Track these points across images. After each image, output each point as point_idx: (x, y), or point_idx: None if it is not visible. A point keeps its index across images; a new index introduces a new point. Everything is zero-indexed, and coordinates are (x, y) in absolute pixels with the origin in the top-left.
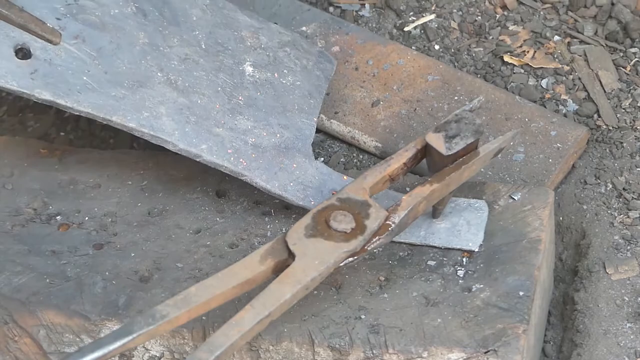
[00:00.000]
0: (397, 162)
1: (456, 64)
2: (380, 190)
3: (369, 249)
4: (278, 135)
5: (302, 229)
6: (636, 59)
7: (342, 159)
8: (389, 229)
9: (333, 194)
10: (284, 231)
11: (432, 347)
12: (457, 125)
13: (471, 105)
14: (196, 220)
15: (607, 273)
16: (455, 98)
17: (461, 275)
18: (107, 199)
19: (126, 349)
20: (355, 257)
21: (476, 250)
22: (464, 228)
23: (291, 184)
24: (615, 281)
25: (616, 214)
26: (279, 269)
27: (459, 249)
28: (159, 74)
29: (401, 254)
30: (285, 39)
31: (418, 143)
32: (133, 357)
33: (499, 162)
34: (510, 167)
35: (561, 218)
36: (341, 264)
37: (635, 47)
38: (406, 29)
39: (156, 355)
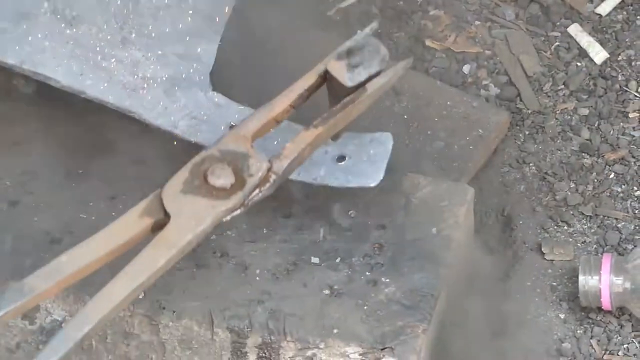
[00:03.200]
0: (282, 103)
1: None
2: (266, 133)
3: (249, 203)
4: (172, 66)
5: (179, 184)
6: (557, 43)
7: None
8: (271, 179)
9: (232, 125)
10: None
11: (329, 339)
12: (360, 53)
13: (366, 31)
14: (113, 186)
15: (543, 252)
16: None
17: (369, 268)
18: (27, 156)
19: None
20: (235, 212)
21: (374, 185)
22: (365, 165)
23: (183, 119)
24: (545, 265)
25: (542, 197)
26: (157, 227)
27: (357, 187)
28: (45, 3)
29: (314, 237)
30: None
31: (311, 77)
32: (36, 319)
33: (418, 147)
34: (430, 153)
35: (483, 203)
36: (220, 221)
37: (556, 30)
38: (328, 13)
39: (58, 319)
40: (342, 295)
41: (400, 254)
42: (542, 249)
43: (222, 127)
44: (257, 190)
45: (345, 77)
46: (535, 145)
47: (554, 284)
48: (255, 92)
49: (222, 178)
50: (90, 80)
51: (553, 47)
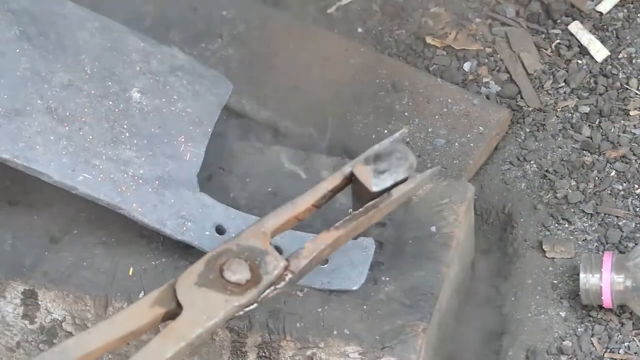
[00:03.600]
0: (305, 202)
1: (378, 46)
2: (286, 230)
3: (263, 300)
4: (161, 166)
5: (194, 276)
6: (558, 41)
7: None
8: (287, 278)
9: (218, 225)
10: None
11: (329, 338)
12: (388, 159)
13: (396, 136)
14: None
15: (544, 250)
16: (377, 81)
17: (369, 267)
18: None
19: None
20: (248, 309)
21: (355, 288)
22: (348, 269)
23: (171, 218)
24: (546, 263)
25: (543, 194)
26: (169, 317)
27: (340, 290)
28: (39, 101)
29: None
30: (177, 63)
31: (337, 177)
32: (36, 318)
33: (419, 145)
34: (431, 151)
35: (484, 201)
36: (232, 318)
37: (557, 28)
38: (328, 11)
39: (58, 319)
40: (341, 294)
41: (400, 252)
42: (543, 247)
43: (209, 226)
44: (272, 288)
45: (371, 182)
46: (536, 143)
47: (555, 281)
48: (258, 86)
49: (238, 273)
50: (81, 177)
51: (554, 44)
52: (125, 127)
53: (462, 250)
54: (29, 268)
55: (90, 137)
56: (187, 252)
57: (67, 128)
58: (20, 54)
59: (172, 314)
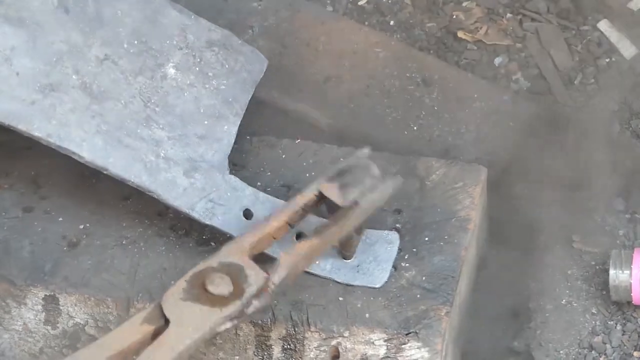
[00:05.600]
0: (277, 221)
1: (408, 40)
2: (264, 249)
3: (248, 312)
4: (193, 147)
5: (179, 292)
6: (588, 37)
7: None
8: (268, 290)
9: (246, 209)
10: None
11: (353, 326)
12: (352, 173)
13: (358, 155)
14: (127, 186)
15: (573, 245)
16: (407, 75)
17: None
18: (39, 161)
19: None
20: (235, 321)
21: (378, 286)
22: (372, 265)
23: (200, 201)
24: (576, 258)
25: (572, 189)
26: (158, 335)
27: (362, 286)
28: (74, 76)
29: None
30: (214, 37)
31: (306, 195)
32: (58, 323)
33: (449, 139)
34: (461, 145)
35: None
36: (219, 329)
37: (587, 25)
38: (360, 3)
39: (80, 323)
40: None
41: (418, 237)
42: (573, 242)
43: (237, 210)
44: (255, 302)
45: (338, 196)
46: (566, 139)
47: (585, 276)
48: (289, 78)
49: (221, 286)
50: (112, 158)
51: (584, 41)
52: (158, 106)
53: (478, 233)
54: (48, 274)
55: (124, 115)
56: (205, 251)
57: (100, 106)
58: (57, 26)
59: (161, 331)
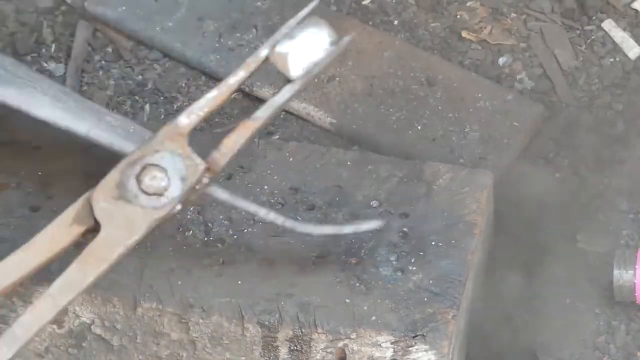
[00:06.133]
0: (222, 93)
1: (412, 39)
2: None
3: (180, 208)
4: None
5: (110, 188)
6: (592, 37)
7: (295, 135)
8: (205, 181)
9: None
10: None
11: (360, 329)
12: (303, 37)
13: (307, 11)
14: None
15: (577, 245)
16: (411, 75)
17: (395, 257)
18: (47, 161)
19: None
20: (169, 217)
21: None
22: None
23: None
24: (580, 258)
25: (576, 190)
26: (88, 234)
27: (367, 230)
28: None
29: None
30: None
31: (251, 65)
32: (64, 322)
33: (453, 139)
34: (465, 145)
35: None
36: (153, 229)
37: (591, 24)
38: (364, 2)
39: (86, 322)
40: (370, 284)
41: (424, 241)
42: (577, 242)
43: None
44: (193, 194)
45: (289, 67)
46: (570, 139)
47: (589, 275)
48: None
49: (156, 182)
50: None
51: (588, 41)
52: None
53: (484, 237)
54: (55, 272)
55: None
56: (212, 252)
57: None
58: None
59: (92, 230)
